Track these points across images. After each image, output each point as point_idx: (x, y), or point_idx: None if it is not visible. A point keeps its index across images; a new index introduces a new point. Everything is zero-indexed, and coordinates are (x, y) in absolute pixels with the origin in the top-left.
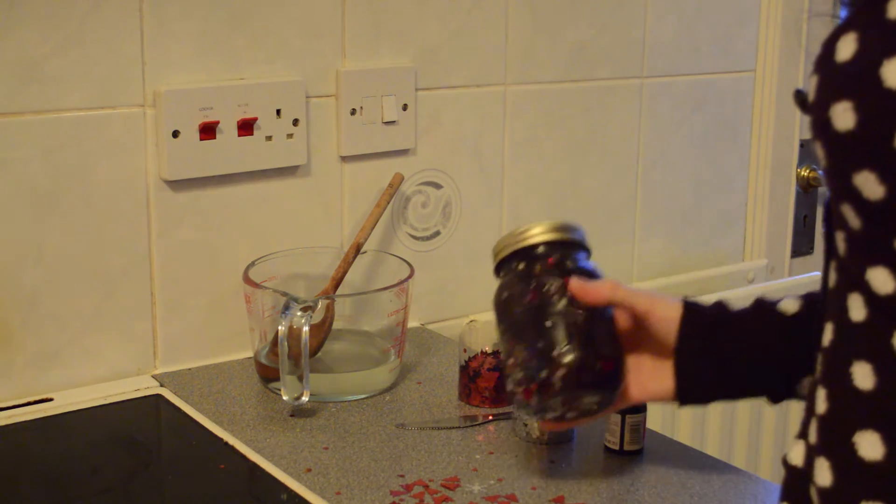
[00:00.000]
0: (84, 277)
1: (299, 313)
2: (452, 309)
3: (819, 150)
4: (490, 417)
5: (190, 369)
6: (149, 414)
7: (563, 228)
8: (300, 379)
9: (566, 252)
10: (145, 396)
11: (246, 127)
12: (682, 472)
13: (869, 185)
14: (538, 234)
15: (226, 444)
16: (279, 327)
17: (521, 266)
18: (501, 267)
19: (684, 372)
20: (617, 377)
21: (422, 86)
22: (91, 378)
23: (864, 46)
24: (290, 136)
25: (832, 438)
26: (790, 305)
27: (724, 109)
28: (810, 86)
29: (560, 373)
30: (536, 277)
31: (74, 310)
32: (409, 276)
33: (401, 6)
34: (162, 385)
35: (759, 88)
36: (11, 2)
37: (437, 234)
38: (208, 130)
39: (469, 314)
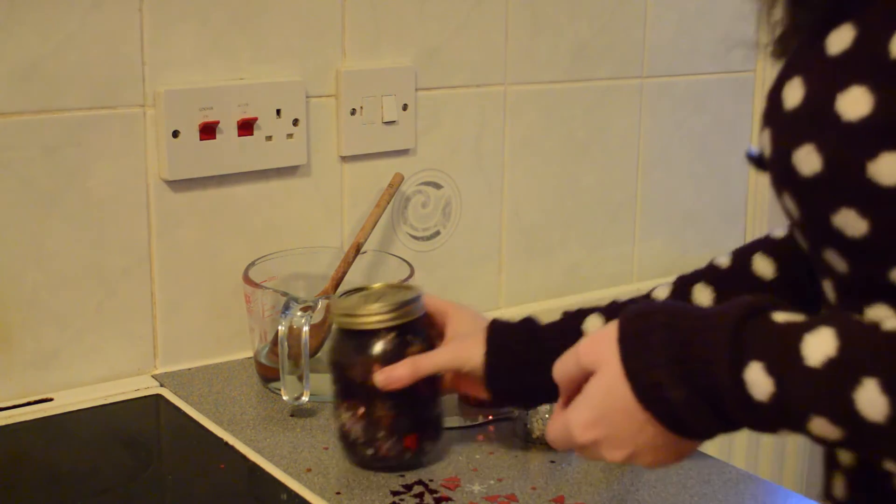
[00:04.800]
0: (84, 277)
1: (299, 313)
2: None
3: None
4: (490, 417)
5: (190, 369)
6: (149, 414)
7: (400, 311)
8: (300, 379)
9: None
10: (145, 396)
11: (246, 127)
12: (682, 472)
13: (787, 203)
14: (374, 320)
15: (226, 444)
16: (279, 327)
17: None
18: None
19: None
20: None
21: (422, 86)
22: (91, 378)
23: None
24: (290, 136)
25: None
26: (595, 321)
27: (724, 109)
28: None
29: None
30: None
31: (74, 310)
32: (409, 276)
33: (401, 6)
34: (162, 385)
35: (759, 88)
36: (11, 2)
37: (437, 234)
38: (208, 130)
39: None
